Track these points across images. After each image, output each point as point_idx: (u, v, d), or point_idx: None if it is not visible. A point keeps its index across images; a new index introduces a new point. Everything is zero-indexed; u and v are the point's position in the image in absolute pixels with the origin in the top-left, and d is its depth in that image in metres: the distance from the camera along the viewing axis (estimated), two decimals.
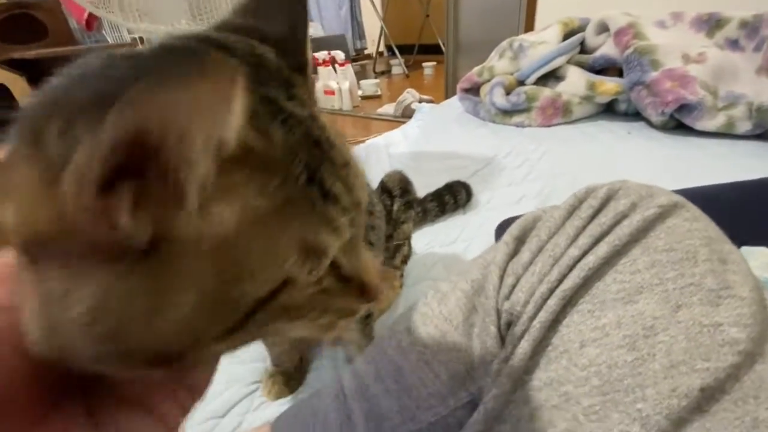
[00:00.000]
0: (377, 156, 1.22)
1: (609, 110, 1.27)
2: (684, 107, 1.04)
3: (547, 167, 0.98)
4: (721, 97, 1.05)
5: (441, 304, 0.38)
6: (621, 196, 0.34)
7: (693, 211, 0.33)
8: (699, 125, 1.04)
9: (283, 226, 0.16)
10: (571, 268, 0.31)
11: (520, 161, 1.03)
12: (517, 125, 1.27)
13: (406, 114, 2.27)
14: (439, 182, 0.89)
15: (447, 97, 2.22)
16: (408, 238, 0.63)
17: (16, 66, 2.29)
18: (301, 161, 0.16)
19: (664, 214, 0.32)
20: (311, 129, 0.18)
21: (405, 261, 0.64)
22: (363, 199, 0.20)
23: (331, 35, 3.63)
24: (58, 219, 0.12)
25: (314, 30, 3.50)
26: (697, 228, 0.31)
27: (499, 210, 0.84)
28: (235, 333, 0.16)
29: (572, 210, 0.36)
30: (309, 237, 0.16)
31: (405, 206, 0.60)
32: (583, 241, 0.32)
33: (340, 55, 2.69)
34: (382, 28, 3.56)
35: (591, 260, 0.30)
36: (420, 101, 2.31)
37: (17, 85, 2.31)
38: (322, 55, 2.73)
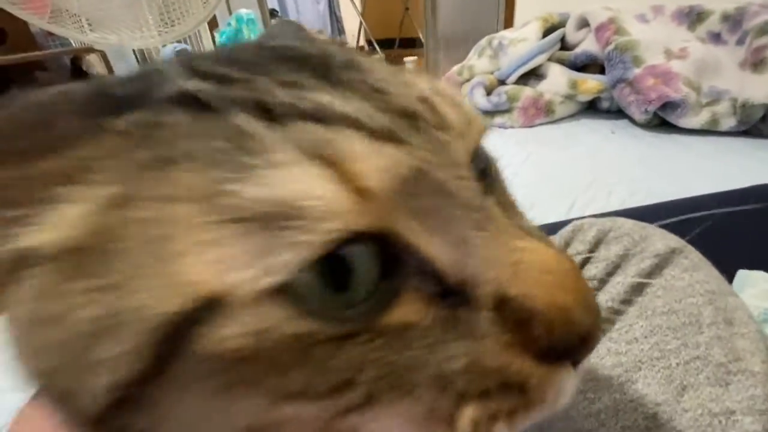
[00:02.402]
0: None
1: (591, 108, 1.24)
2: (667, 105, 1.01)
3: (532, 173, 0.95)
4: (704, 93, 1.02)
5: None
6: (611, 241, 0.30)
7: (692, 256, 0.29)
8: (683, 122, 1.02)
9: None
10: None
11: (504, 166, 0.99)
12: (499, 126, 1.23)
13: None
14: None
15: None
16: None
17: None
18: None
19: (661, 264, 0.28)
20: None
21: None
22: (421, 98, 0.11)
23: None
24: None
25: None
26: (698, 280, 0.27)
27: None
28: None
29: None
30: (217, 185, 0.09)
31: None
32: None
33: None
34: (361, 23, 3.49)
35: None
36: None
37: None
38: None
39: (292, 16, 3.89)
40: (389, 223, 0.10)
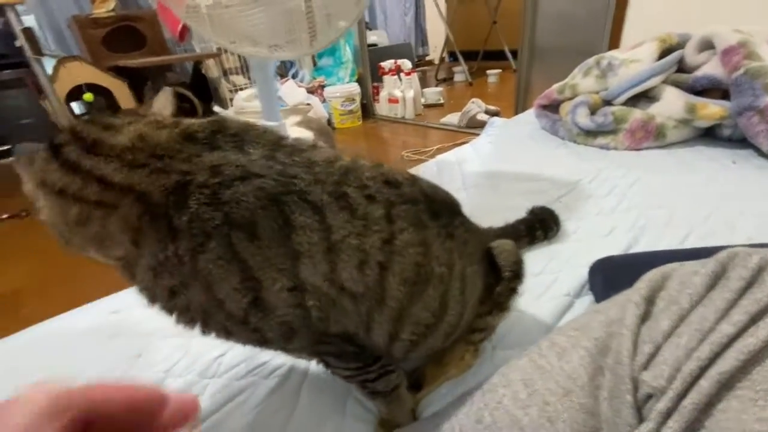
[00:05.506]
0: (450, 174, 1.22)
1: (708, 135, 1.17)
2: None
3: (640, 197, 0.93)
4: None
5: (561, 360, 0.37)
6: None
7: None
8: None
9: None
10: (725, 347, 0.29)
11: (608, 188, 0.98)
12: (601, 147, 1.21)
13: (471, 125, 2.25)
14: (518, 205, 0.86)
15: (517, 107, 2.16)
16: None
17: (120, 72, 2.57)
18: None
19: None
20: None
21: (483, 340, 0.55)
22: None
23: (397, 44, 3.67)
24: None
25: (380, 38, 3.56)
26: None
27: (588, 242, 0.81)
28: None
29: (716, 278, 0.34)
30: None
31: (511, 291, 0.52)
32: (738, 317, 0.30)
33: (406, 64, 2.72)
34: (447, 34, 3.55)
35: (751, 342, 0.28)
36: (486, 112, 2.27)
37: (120, 90, 2.59)
38: (388, 64, 2.77)
39: (381, 27, 4.07)
40: None
